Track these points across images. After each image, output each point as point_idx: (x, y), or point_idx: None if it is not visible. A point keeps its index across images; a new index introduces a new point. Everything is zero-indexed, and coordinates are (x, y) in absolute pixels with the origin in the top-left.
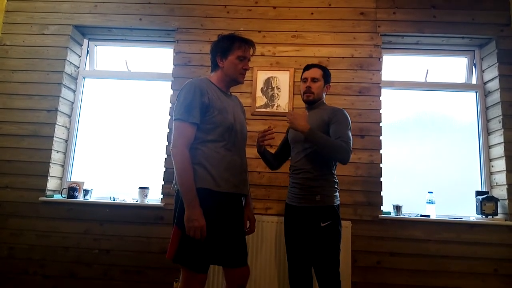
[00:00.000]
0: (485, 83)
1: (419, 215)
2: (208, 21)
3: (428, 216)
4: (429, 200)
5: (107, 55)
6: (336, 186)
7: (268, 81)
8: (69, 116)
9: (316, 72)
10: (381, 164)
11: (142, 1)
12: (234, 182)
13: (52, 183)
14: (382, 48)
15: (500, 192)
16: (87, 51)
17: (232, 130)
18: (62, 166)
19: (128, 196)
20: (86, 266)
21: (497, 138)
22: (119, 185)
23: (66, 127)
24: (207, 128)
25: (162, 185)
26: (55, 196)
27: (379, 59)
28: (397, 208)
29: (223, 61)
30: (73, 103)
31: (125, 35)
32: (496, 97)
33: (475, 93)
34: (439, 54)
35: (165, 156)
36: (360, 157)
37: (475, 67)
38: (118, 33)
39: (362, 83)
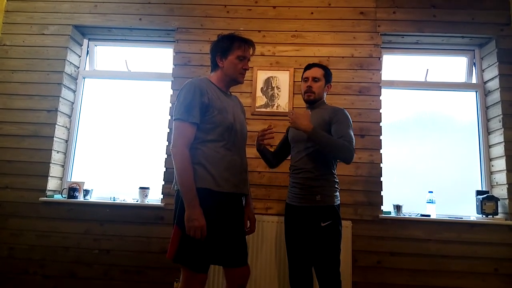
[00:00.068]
0: (485, 83)
1: (419, 215)
2: (208, 21)
3: (429, 215)
4: (429, 200)
5: (107, 55)
6: (336, 186)
7: (268, 81)
8: (69, 116)
9: (317, 72)
10: (381, 164)
11: (142, 1)
12: (234, 181)
13: (52, 183)
14: (382, 47)
15: (501, 192)
16: (87, 51)
17: (232, 129)
18: (63, 166)
19: (128, 196)
20: (86, 266)
21: (497, 137)
22: (119, 185)
23: (66, 127)
24: (207, 128)
25: (162, 185)
26: (55, 196)
27: (379, 58)
28: (398, 207)
29: (223, 61)
30: (73, 103)
31: (125, 35)
32: (496, 96)
33: (475, 93)
34: (439, 53)
35: (165, 156)
36: (360, 157)
37: (475, 66)
38: (118, 33)
39: (362, 82)
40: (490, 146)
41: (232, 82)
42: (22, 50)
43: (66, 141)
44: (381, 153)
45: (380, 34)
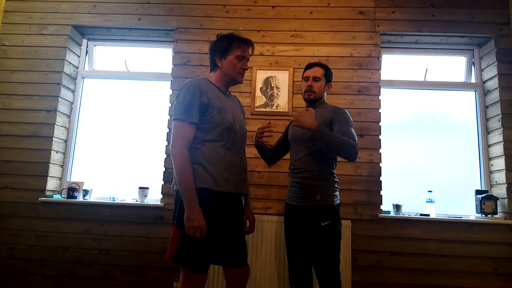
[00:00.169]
0: (484, 82)
1: (418, 214)
2: (207, 21)
3: (428, 215)
4: (429, 199)
5: (106, 55)
6: (336, 185)
7: (267, 81)
8: (69, 116)
9: (318, 71)
10: (380, 163)
11: (141, 1)
12: (234, 181)
13: (51, 184)
14: (381, 47)
15: (500, 191)
16: (86, 51)
17: (231, 129)
18: (62, 166)
19: (128, 196)
20: (86, 266)
21: (497, 137)
22: (118, 185)
23: (65, 127)
24: (206, 128)
25: (162, 185)
26: (54, 196)
27: (378, 58)
28: (397, 207)
29: (222, 61)
30: (72, 103)
31: (124, 35)
32: (495, 96)
33: (474, 92)
34: (438, 53)
35: (165, 156)
36: (360, 157)
37: (474, 66)
38: (117, 33)
39: (361, 82)
40: (489, 146)
41: (231, 82)
42: (21, 50)
43: (65, 141)
44: (380, 153)
45: (379, 34)
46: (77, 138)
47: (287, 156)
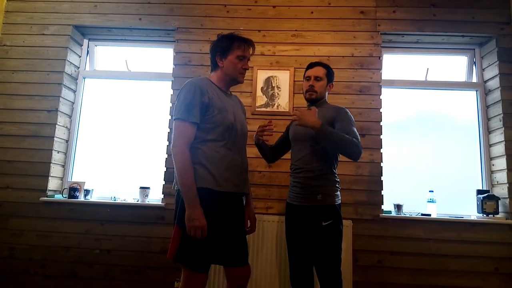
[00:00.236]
0: (485, 82)
1: (419, 214)
2: (208, 21)
3: (429, 215)
4: (430, 199)
5: (107, 55)
6: (337, 185)
7: (268, 81)
8: (70, 116)
9: (319, 71)
10: (381, 163)
11: (142, 1)
12: (235, 181)
13: (53, 183)
14: (382, 47)
15: (501, 191)
16: (87, 51)
17: (232, 129)
18: (63, 166)
19: (129, 196)
20: (87, 266)
21: (498, 136)
22: (120, 185)
23: (66, 127)
24: (207, 128)
25: (163, 185)
26: (56, 196)
27: (379, 58)
28: (398, 207)
29: (223, 61)
30: (73, 103)
31: (125, 35)
32: (496, 95)
33: (475, 92)
34: (439, 52)
35: (166, 156)
36: (361, 156)
37: (475, 65)
38: (118, 33)
39: (362, 82)
40: (490, 145)
41: (232, 81)
42: (22, 51)
43: (67, 141)
44: (381, 153)
45: (380, 33)
46: (78, 138)
47: (288, 156)
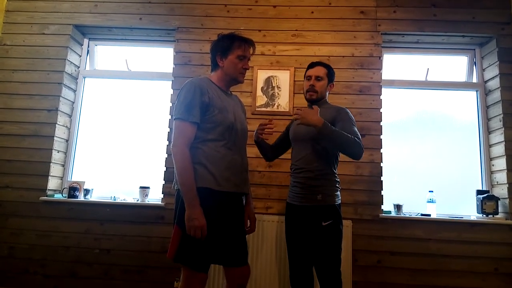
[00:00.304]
0: (485, 82)
1: (419, 214)
2: (208, 20)
3: (429, 215)
4: (430, 199)
5: (107, 54)
6: (337, 185)
7: (268, 80)
8: (70, 116)
9: (320, 71)
10: (381, 163)
11: (142, 1)
12: (235, 181)
13: (52, 183)
14: (382, 47)
15: (501, 191)
16: (88, 50)
17: (232, 129)
18: (63, 165)
19: (129, 195)
20: (86, 265)
21: (498, 137)
22: (119, 185)
23: (66, 126)
24: (207, 127)
25: (163, 184)
26: (55, 195)
27: (380, 58)
28: (398, 207)
29: (223, 61)
30: (73, 102)
31: (125, 34)
32: (496, 95)
33: (475, 92)
34: (439, 52)
35: (166, 155)
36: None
37: (475, 65)
38: (118, 33)
39: (362, 82)
40: (490, 146)
41: (233, 81)
42: (23, 50)
43: (67, 140)
44: (381, 153)
45: (381, 33)
46: (78, 138)
47: (288, 156)
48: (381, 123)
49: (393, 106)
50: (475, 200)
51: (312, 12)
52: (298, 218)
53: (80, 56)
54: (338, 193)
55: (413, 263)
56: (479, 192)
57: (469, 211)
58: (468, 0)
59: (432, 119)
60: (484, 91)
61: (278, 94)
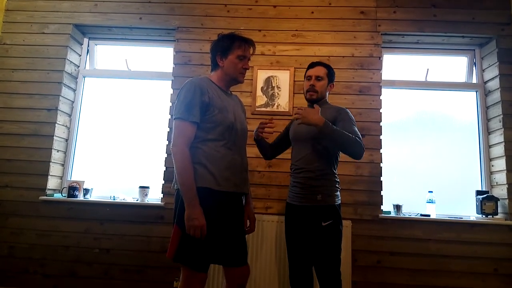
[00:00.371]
0: (485, 82)
1: (419, 215)
2: (208, 20)
3: (428, 215)
4: (429, 200)
5: (107, 54)
6: (337, 185)
7: (268, 80)
8: (69, 115)
9: (320, 71)
10: (381, 164)
11: (142, 0)
12: (235, 181)
13: (52, 182)
14: (382, 47)
15: (500, 192)
16: (87, 50)
17: (232, 129)
18: (62, 165)
19: (129, 195)
20: (86, 265)
21: (497, 137)
22: (119, 184)
23: (66, 126)
24: (207, 127)
25: (163, 184)
26: (55, 195)
27: (380, 58)
28: (397, 207)
29: (223, 61)
30: (73, 102)
31: (125, 34)
32: (496, 96)
33: (475, 93)
34: (439, 53)
35: (165, 155)
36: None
37: (475, 66)
38: (118, 32)
39: (362, 82)
40: (490, 146)
41: (233, 81)
42: (23, 49)
43: (66, 140)
44: (381, 153)
45: (381, 34)
46: (78, 137)
47: (288, 156)
48: (381, 124)
49: (393, 106)
50: (474, 200)
51: (312, 12)
52: (298, 218)
53: (80, 55)
54: (338, 193)
55: (412, 263)
56: (478, 192)
57: (469, 211)
58: (468, 1)
59: (432, 119)
60: (484, 92)
61: (278, 94)
